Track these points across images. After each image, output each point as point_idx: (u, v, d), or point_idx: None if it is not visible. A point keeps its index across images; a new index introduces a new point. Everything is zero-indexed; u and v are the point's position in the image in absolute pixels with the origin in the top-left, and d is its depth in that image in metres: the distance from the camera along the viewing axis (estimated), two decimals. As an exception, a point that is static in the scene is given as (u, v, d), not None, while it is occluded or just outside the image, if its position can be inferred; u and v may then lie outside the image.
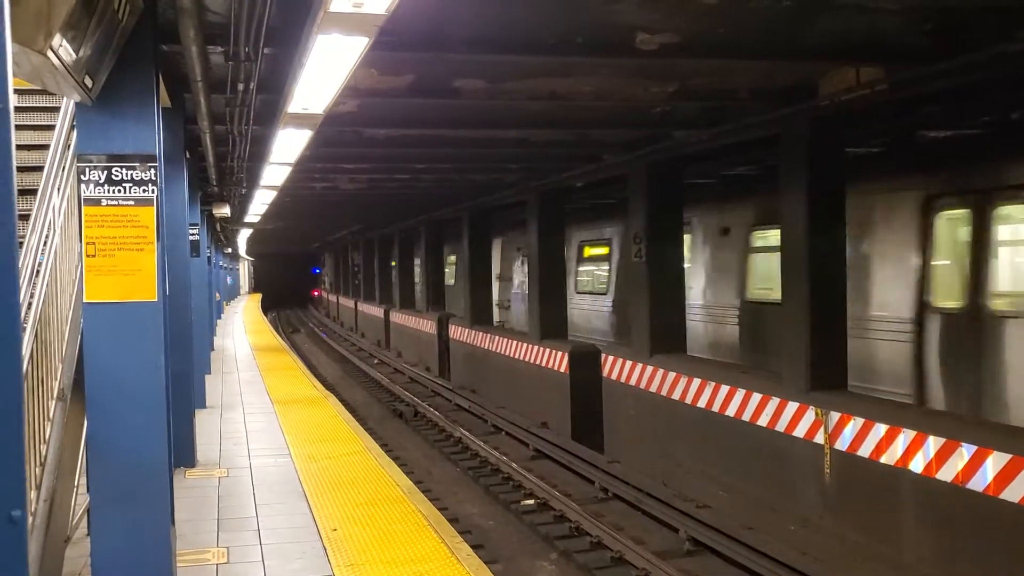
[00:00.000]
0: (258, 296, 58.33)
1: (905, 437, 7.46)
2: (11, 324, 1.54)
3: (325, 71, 5.24)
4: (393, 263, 30.04)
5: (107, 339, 4.93)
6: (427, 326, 23.28)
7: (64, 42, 3.66)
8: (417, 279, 28.32)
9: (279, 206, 18.72)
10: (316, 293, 63.87)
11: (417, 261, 28.12)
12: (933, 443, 7.19)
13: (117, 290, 4.88)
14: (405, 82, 7.70)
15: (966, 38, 6.49)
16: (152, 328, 4.96)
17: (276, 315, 50.23)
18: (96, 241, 4.86)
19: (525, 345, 15.96)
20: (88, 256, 4.87)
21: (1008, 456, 6.53)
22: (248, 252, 52.84)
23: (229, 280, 46.16)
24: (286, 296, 62.23)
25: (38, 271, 5.37)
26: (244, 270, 67.05)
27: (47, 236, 5.73)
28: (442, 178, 15.47)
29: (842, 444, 8.13)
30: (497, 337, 17.64)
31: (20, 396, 1.55)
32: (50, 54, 3.59)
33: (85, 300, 4.93)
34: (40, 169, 6.17)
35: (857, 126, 9.18)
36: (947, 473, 7.03)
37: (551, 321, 15.50)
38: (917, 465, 7.31)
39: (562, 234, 15.80)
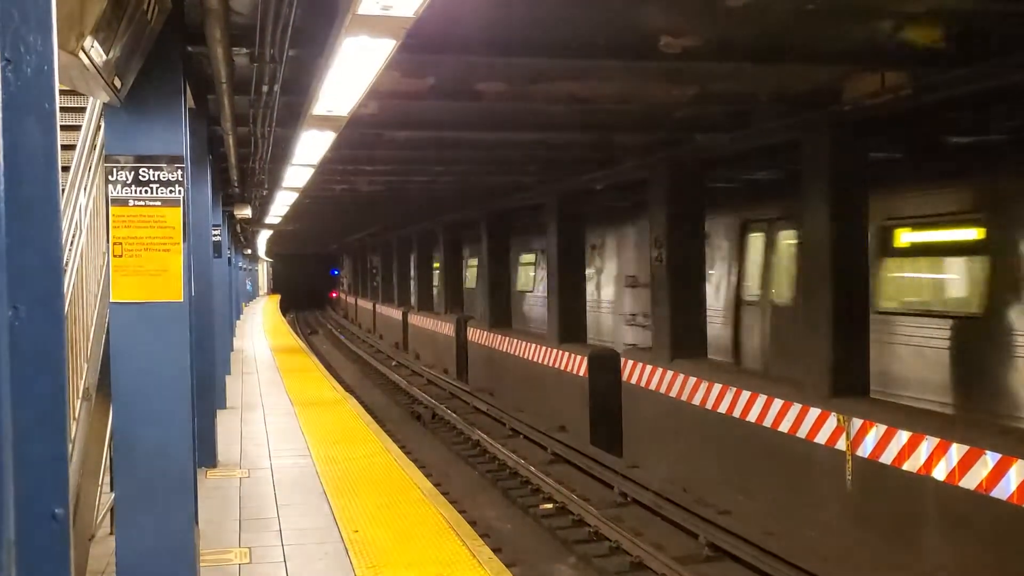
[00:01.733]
0: (276, 297, 58.57)
1: (928, 444, 7.40)
2: (56, 328, 1.56)
3: (351, 73, 5.25)
4: (411, 265, 30.09)
5: (134, 339, 4.96)
6: (445, 328, 23.30)
7: (95, 43, 3.69)
8: (435, 281, 28.36)
9: (299, 207, 18.79)
10: (334, 295, 64.05)
11: (435, 263, 28.17)
12: (956, 451, 7.13)
13: (143, 290, 4.91)
14: (426, 84, 7.72)
15: (993, 43, 6.44)
16: (178, 328, 4.98)
17: (294, 316, 50.42)
18: (123, 241, 4.89)
19: (544, 348, 15.94)
20: (115, 256, 4.90)
21: (1034, 464, 6.47)
22: (267, 253, 53.07)
23: (248, 281, 46.40)
24: (304, 298, 62.43)
25: (64, 271, 5.41)
26: (263, 271, 67.35)
27: (73, 236, 5.78)
28: (461, 180, 15.49)
29: (864, 451, 8.07)
30: (516, 340, 17.63)
31: (63, 398, 1.57)
32: (81, 55, 3.62)
33: (112, 300, 4.96)
34: (66, 169, 6.22)
35: (880, 132, 9.12)
36: (970, 481, 6.96)
37: (570, 324, 15.48)
38: (940, 473, 7.25)
39: (582, 236, 15.77)
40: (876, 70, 7.45)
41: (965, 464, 7.03)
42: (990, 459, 6.82)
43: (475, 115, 9.20)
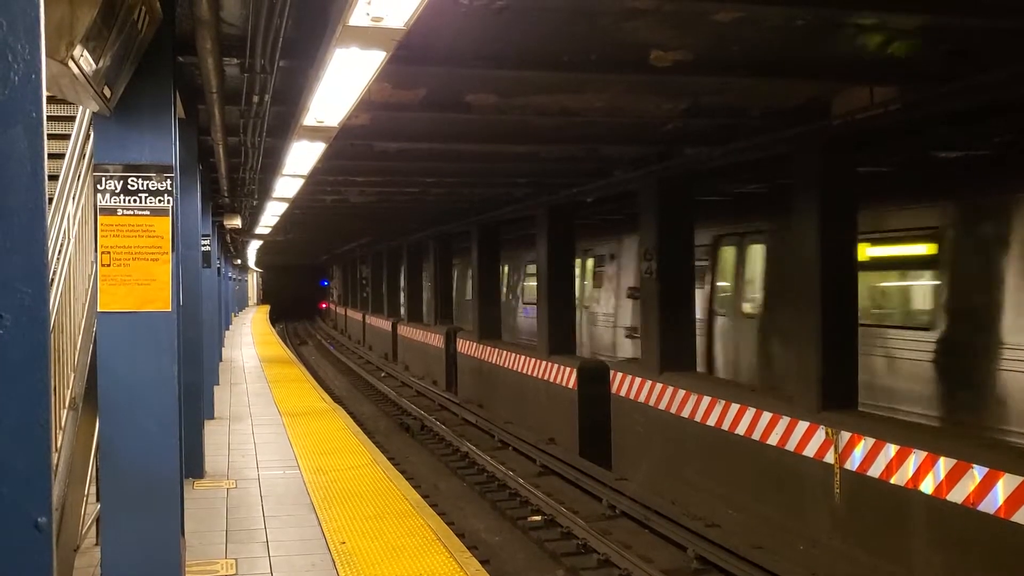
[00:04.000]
0: (266, 308, 58.42)
1: (916, 458, 7.42)
2: (41, 336, 1.55)
3: (342, 85, 5.26)
4: (401, 276, 30.07)
5: (121, 349, 4.94)
6: (435, 339, 23.27)
7: (85, 52, 3.68)
8: (425, 292, 28.34)
9: (289, 218, 18.78)
10: (324, 305, 63.93)
11: (425, 274, 28.15)
12: (944, 464, 7.15)
13: (131, 300, 4.89)
14: (417, 96, 7.73)
15: (983, 58, 6.49)
16: (166, 338, 4.96)
17: (284, 327, 50.27)
18: (111, 250, 4.88)
19: (533, 360, 15.93)
20: (103, 265, 4.89)
21: (1020, 479, 6.49)
22: (257, 264, 52.96)
23: (237, 290, 46.27)
24: (294, 308, 62.29)
25: (52, 280, 5.40)
26: (253, 282, 67.18)
27: (61, 245, 5.76)
28: (451, 192, 15.51)
29: (852, 464, 8.09)
30: (505, 352, 17.62)
31: (48, 405, 1.56)
32: (71, 64, 3.61)
33: (99, 309, 4.94)
34: (55, 178, 6.21)
35: (870, 146, 9.17)
36: (958, 495, 6.98)
37: (559, 336, 15.48)
38: (927, 486, 7.27)
39: (572, 249, 15.79)
40: (865, 84, 7.50)
41: (952, 477, 7.05)
42: (977, 473, 6.84)
43: (465, 127, 9.21)
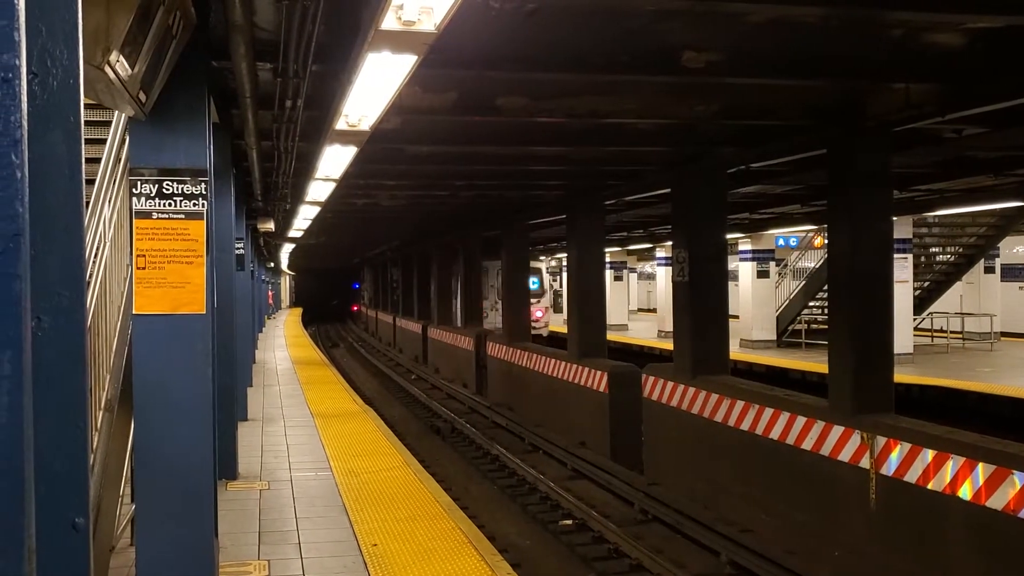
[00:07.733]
0: (299, 311, 58.84)
1: (954, 463, 7.30)
2: (78, 338, 1.57)
3: (373, 89, 5.27)
4: (432, 279, 30.14)
5: (156, 351, 4.99)
6: (465, 343, 23.30)
7: (121, 58, 3.73)
8: (455, 296, 28.39)
9: (321, 222, 18.88)
10: (355, 308, 64.28)
11: (456, 277, 28.20)
12: (983, 470, 7.03)
13: (166, 302, 4.94)
14: (448, 99, 7.74)
15: (1022, 58, 6.38)
16: (200, 341, 5.00)
17: (316, 329, 50.61)
18: (146, 254, 4.93)
19: (564, 364, 15.89)
20: (138, 268, 4.94)
21: (1062, 485, 6.37)
22: (290, 267, 53.37)
23: (271, 294, 46.66)
24: (326, 311, 62.71)
25: (87, 283, 5.46)
26: (285, 285, 67.71)
27: (97, 248, 5.82)
28: (482, 195, 15.52)
29: (888, 469, 7.98)
30: (535, 355, 17.60)
31: (85, 407, 1.58)
32: (107, 69, 3.66)
33: (134, 312, 4.99)
34: (91, 182, 6.28)
35: (906, 147, 9.06)
36: (998, 501, 6.86)
37: (590, 340, 15.43)
38: (966, 492, 7.15)
39: (603, 251, 15.74)
40: (901, 84, 7.40)
41: (992, 484, 6.93)
42: (1018, 479, 6.71)
43: (496, 129, 9.22)
